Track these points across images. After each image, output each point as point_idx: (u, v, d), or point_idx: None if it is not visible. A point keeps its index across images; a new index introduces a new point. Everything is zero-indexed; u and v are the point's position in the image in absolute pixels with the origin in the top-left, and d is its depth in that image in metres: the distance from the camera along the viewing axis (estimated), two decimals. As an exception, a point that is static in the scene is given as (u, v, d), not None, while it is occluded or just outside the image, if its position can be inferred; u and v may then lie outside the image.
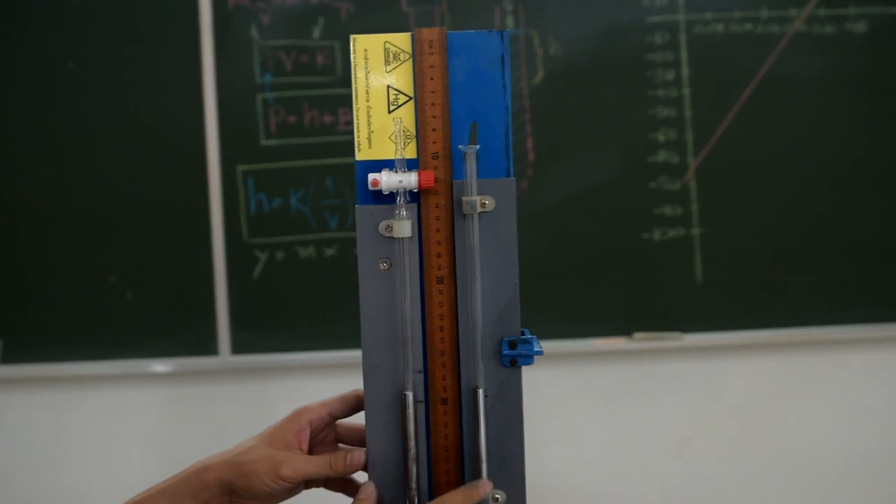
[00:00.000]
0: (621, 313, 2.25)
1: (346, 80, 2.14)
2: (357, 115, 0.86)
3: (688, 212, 2.24)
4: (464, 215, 0.87)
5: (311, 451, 0.94)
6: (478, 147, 0.87)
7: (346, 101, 2.14)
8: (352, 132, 0.87)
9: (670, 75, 2.22)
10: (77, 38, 2.20)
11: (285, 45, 2.20)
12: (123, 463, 2.29)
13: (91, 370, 2.24)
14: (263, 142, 2.21)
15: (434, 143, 0.86)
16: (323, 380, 2.21)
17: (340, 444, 0.98)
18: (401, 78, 0.87)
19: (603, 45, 2.21)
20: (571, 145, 2.22)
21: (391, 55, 0.86)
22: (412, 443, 0.88)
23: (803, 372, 2.33)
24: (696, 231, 2.24)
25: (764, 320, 2.26)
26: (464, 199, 0.86)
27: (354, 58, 0.86)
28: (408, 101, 0.87)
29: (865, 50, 2.23)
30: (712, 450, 2.34)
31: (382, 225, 0.87)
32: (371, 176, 0.85)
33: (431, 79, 0.86)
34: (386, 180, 0.85)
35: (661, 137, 2.23)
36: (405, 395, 0.88)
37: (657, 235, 2.24)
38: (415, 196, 0.87)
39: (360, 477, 0.92)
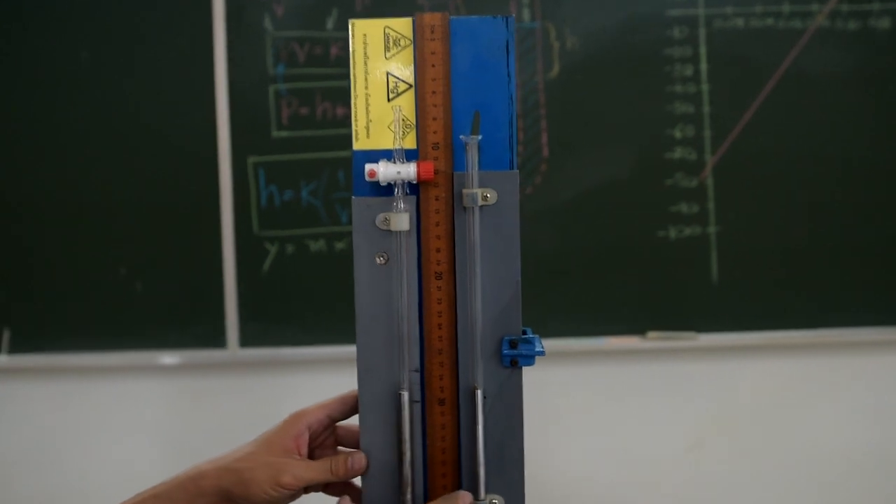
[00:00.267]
0: (635, 312, 2.23)
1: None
2: (355, 103, 0.84)
3: (704, 210, 2.21)
4: (464, 209, 0.84)
5: (310, 455, 0.91)
6: (480, 137, 0.84)
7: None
8: (365, 125, 0.84)
9: (689, 70, 2.20)
10: (89, 27, 2.20)
11: (299, 36, 2.18)
12: (129, 455, 2.28)
13: (98, 361, 2.23)
14: (275, 133, 2.19)
15: (434, 132, 0.83)
16: (332, 375, 2.19)
17: (340, 447, 0.96)
18: (401, 65, 0.84)
19: (620, 39, 2.19)
20: (587, 141, 2.21)
21: (391, 41, 0.83)
22: (407, 445, 0.85)
23: (820, 374, 2.31)
24: (712, 229, 2.21)
25: (780, 321, 2.23)
26: (464, 191, 0.84)
27: (353, 43, 0.83)
28: (408, 89, 0.84)
29: (889, 47, 2.20)
30: (726, 452, 2.31)
31: (379, 218, 0.84)
32: (368, 166, 0.82)
33: (433, 66, 0.83)
34: (383, 171, 0.82)
35: (678, 134, 2.20)
36: (401, 395, 0.85)
37: (673, 233, 2.22)
38: (414, 188, 0.85)
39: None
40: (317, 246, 2.21)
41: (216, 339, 2.23)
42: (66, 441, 2.31)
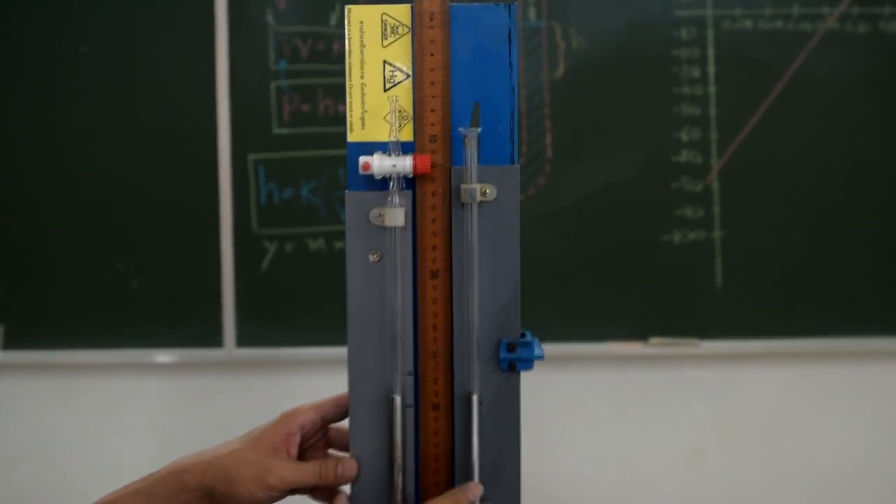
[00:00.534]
0: (637, 317, 2.22)
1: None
2: (350, 93, 0.81)
3: (710, 214, 2.20)
4: (462, 205, 0.81)
5: (299, 456, 0.88)
6: (480, 130, 0.81)
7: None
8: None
9: (696, 72, 2.19)
10: (90, 20, 2.19)
11: (301, 31, 2.18)
12: (124, 453, 2.27)
13: (93, 358, 2.22)
14: (276, 130, 2.19)
15: (432, 124, 0.80)
16: (329, 376, 2.16)
17: (330, 450, 0.93)
18: (399, 53, 0.81)
19: (627, 39, 2.18)
20: (591, 142, 2.20)
21: (389, 28, 0.80)
22: (399, 451, 0.82)
23: (825, 384, 2.29)
24: (717, 234, 2.20)
25: (785, 329, 2.22)
26: (462, 186, 0.81)
27: (349, 30, 0.80)
28: (405, 78, 0.81)
29: (900, 51, 2.20)
30: (727, 461, 2.30)
31: (373, 213, 0.82)
32: (362, 159, 0.79)
33: (432, 55, 0.80)
34: (378, 164, 0.79)
35: (684, 136, 2.19)
36: (393, 398, 0.83)
37: (677, 238, 2.20)
38: (410, 182, 0.82)
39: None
40: (316, 245, 2.21)
41: (213, 338, 2.21)
42: (60, 438, 2.30)
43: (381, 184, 0.81)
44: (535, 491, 0.84)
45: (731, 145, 2.19)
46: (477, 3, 0.80)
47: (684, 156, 2.19)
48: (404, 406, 0.82)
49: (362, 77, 0.81)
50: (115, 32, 2.19)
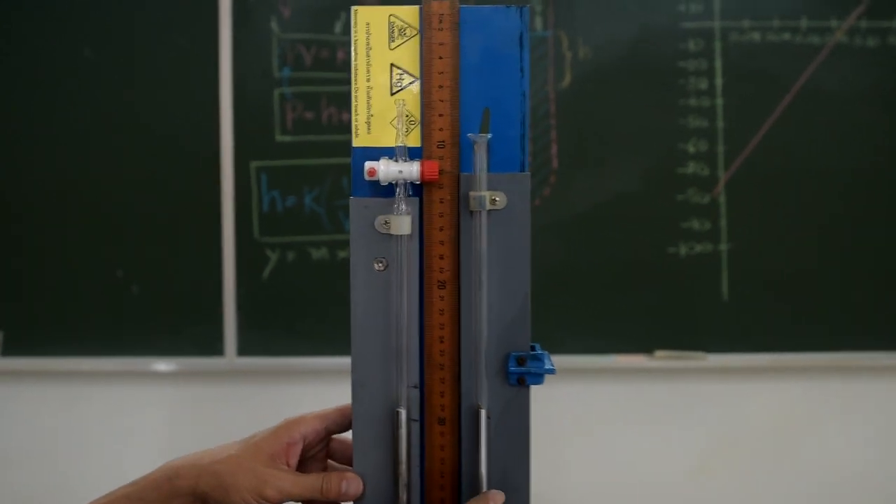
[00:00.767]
0: (643, 330, 2.21)
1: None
2: (355, 96, 0.78)
3: (716, 227, 2.19)
4: (471, 213, 0.79)
5: (298, 467, 0.85)
6: (489, 136, 0.79)
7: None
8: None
9: (703, 84, 2.18)
10: (92, 25, 2.19)
11: (305, 38, 2.18)
12: (123, 462, 2.25)
13: (92, 366, 2.22)
14: (279, 138, 2.18)
15: (440, 130, 0.78)
16: (331, 386, 2.14)
17: (330, 462, 0.90)
18: (406, 56, 0.79)
19: (634, 50, 2.18)
20: (597, 153, 2.20)
21: (396, 30, 0.78)
22: (404, 467, 0.80)
23: (832, 399, 2.29)
24: (724, 247, 2.20)
25: (792, 343, 2.22)
26: (471, 194, 0.78)
27: (355, 32, 0.78)
28: (413, 82, 0.79)
29: (909, 65, 2.20)
30: (733, 476, 2.28)
31: (379, 220, 0.79)
32: (368, 164, 0.77)
33: (440, 58, 0.77)
34: (384, 170, 0.76)
35: (691, 148, 2.19)
36: (398, 412, 0.80)
37: (683, 250, 2.20)
38: (417, 189, 0.80)
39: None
40: (318, 254, 2.20)
41: (213, 346, 2.21)
42: (59, 446, 2.30)
43: (387, 190, 0.78)
44: (540, 504, 0.82)
45: (739, 158, 2.18)
46: (487, 6, 0.78)
47: (691, 168, 2.19)
48: (410, 420, 0.80)
49: (368, 80, 0.79)
50: (118, 35, 2.19)
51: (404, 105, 0.79)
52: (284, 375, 2.24)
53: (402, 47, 0.79)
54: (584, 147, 2.18)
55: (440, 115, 0.78)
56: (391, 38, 0.78)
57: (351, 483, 0.81)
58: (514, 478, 0.80)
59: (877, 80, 2.18)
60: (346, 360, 2.14)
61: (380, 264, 0.80)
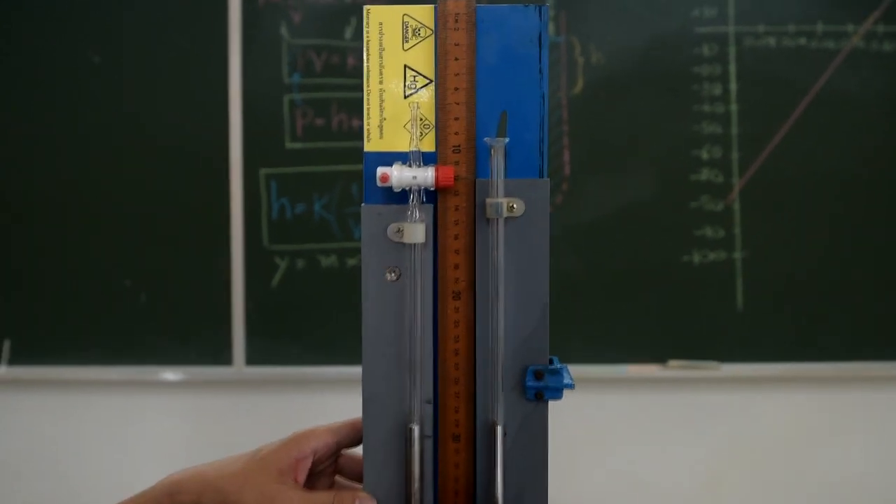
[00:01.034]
0: (656, 339, 2.21)
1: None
2: (368, 99, 0.76)
3: (730, 234, 2.19)
4: (487, 220, 0.76)
5: (306, 483, 0.82)
6: (507, 140, 0.76)
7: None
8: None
9: (717, 90, 2.18)
10: (101, 30, 2.19)
11: (316, 44, 2.17)
12: (129, 472, 2.26)
13: (100, 375, 2.22)
14: (289, 144, 2.18)
15: (456, 134, 0.75)
16: (341, 396, 2.13)
17: (338, 478, 0.87)
18: (420, 57, 0.76)
19: (647, 55, 2.17)
20: (610, 160, 2.19)
21: (410, 30, 0.75)
22: (416, 485, 0.76)
23: (847, 409, 2.28)
24: (738, 255, 2.19)
25: (807, 353, 2.21)
26: (488, 201, 0.75)
27: (368, 32, 0.75)
28: (427, 84, 0.76)
29: (927, 69, 2.20)
30: (747, 487, 2.27)
31: (392, 228, 0.76)
32: (380, 170, 0.74)
33: (456, 59, 0.75)
34: (397, 176, 0.74)
35: (704, 155, 2.18)
36: (411, 428, 0.77)
37: (697, 258, 2.19)
38: (431, 196, 0.77)
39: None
40: (328, 261, 2.19)
41: (221, 355, 2.21)
42: (65, 455, 2.29)
43: (400, 197, 0.75)
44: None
45: (753, 164, 2.18)
46: (505, 5, 0.75)
47: (705, 174, 2.18)
48: (423, 437, 0.77)
49: (381, 82, 0.76)
50: (127, 43, 2.18)
51: (418, 108, 0.76)
52: (293, 385, 2.23)
53: (417, 48, 0.76)
54: (597, 154, 2.18)
55: (455, 119, 0.75)
56: (405, 39, 0.76)
57: (364, 502, 0.78)
58: (532, 496, 0.77)
59: (893, 84, 2.17)
60: (355, 370, 2.13)
61: (393, 274, 0.77)
